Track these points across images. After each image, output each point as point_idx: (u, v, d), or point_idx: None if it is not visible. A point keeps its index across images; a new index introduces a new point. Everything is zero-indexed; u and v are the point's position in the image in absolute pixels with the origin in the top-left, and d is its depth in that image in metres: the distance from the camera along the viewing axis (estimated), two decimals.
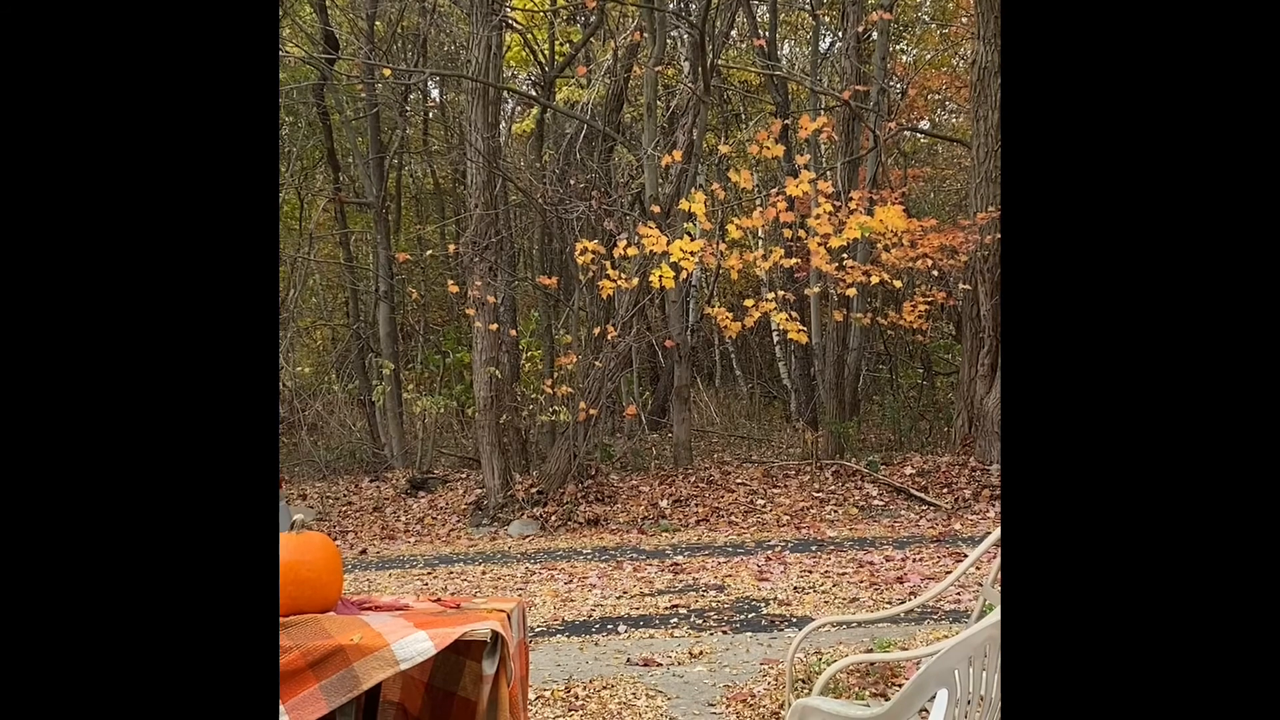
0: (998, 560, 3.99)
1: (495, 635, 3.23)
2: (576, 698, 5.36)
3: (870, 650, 6.07)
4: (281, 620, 3.20)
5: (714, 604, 7.85)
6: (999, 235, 13.41)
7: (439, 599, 3.70)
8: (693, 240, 12.59)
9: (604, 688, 5.54)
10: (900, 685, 5.02)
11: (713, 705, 5.25)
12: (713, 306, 14.41)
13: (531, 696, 5.34)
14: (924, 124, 22.44)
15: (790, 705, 3.84)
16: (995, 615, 3.12)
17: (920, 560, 9.09)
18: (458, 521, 13.34)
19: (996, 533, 3.96)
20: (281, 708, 3.03)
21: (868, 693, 5.15)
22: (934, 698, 3.10)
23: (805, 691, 5.08)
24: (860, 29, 16.61)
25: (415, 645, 3.15)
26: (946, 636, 6.03)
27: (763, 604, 7.82)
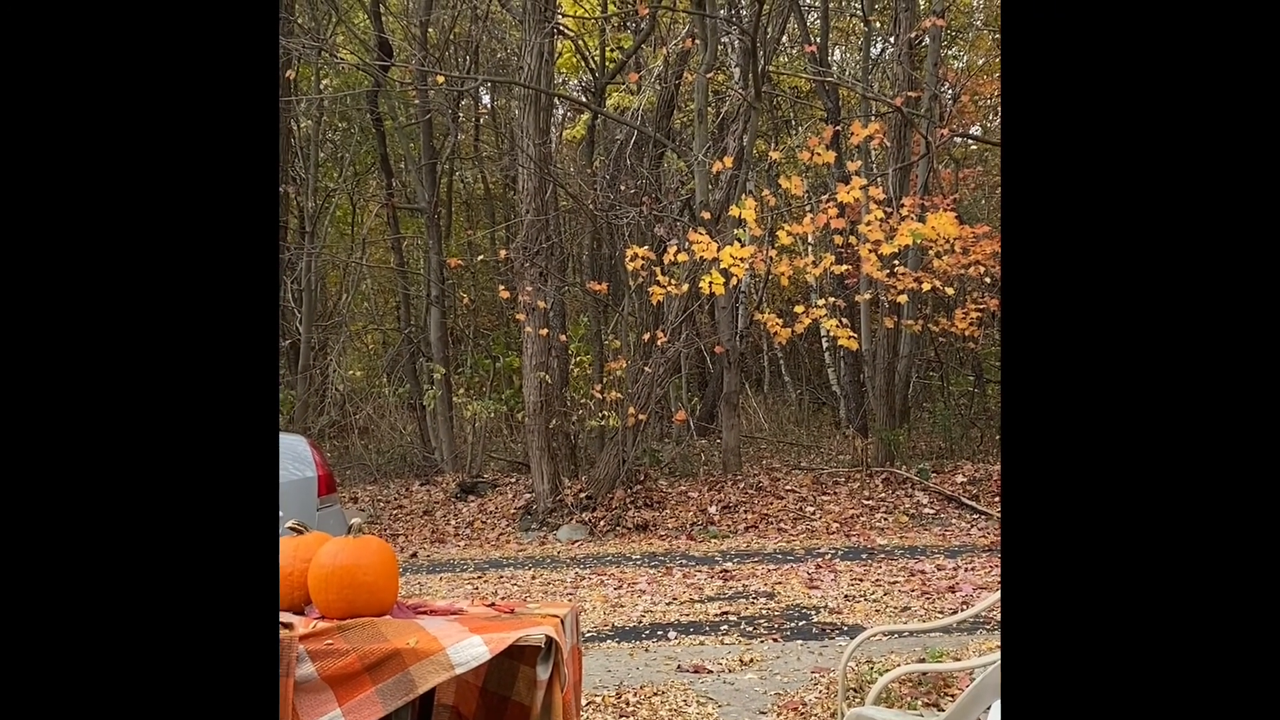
0: None
1: (549, 640, 3.24)
2: (627, 704, 5.37)
3: (923, 660, 6.03)
4: (339, 623, 3.23)
5: (764, 611, 7.83)
6: None
7: (493, 604, 3.72)
8: (743, 246, 12.58)
9: (654, 694, 5.55)
10: (954, 696, 4.99)
11: (764, 713, 5.24)
12: (762, 312, 14.38)
13: (583, 703, 5.36)
14: (975, 129, 22.27)
15: (843, 714, 3.83)
16: None
17: (972, 569, 9.03)
18: (507, 526, 13.39)
19: None
20: (339, 710, 3.07)
21: (920, 703, 5.12)
22: (989, 709, 3.08)
23: (858, 701, 5.06)
24: (912, 35, 16.53)
25: (470, 650, 3.17)
26: (999, 647, 5.98)
27: (813, 612, 7.79)
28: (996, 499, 12.65)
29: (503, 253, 15.02)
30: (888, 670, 5.46)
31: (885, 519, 12.31)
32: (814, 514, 12.66)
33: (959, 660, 5.81)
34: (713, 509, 13.00)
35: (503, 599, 8.41)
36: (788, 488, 13.70)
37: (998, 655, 3.15)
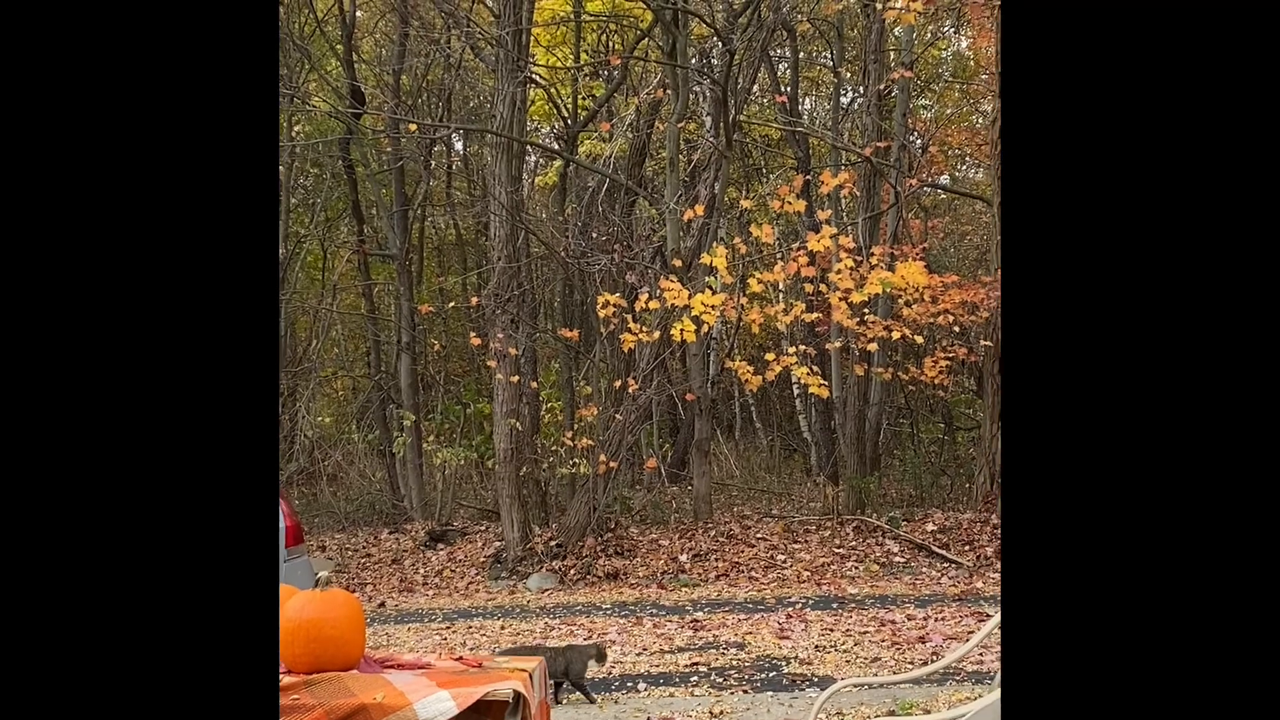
0: None
1: (517, 695, 3.22)
2: None
3: (893, 713, 6.01)
4: (305, 678, 3.20)
5: (734, 662, 7.79)
6: None
7: (461, 657, 3.70)
8: (714, 294, 12.63)
9: None
10: None
11: None
12: (733, 360, 14.42)
13: None
14: (944, 179, 22.50)
15: None
16: None
17: (942, 619, 9.02)
18: (476, 574, 13.30)
19: None
20: None
21: None
22: None
23: None
24: (881, 86, 16.73)
25: (438, 705, 3.14)
26: (969, 699, 5.96)
27: (784, 663, 7.76)
28: (966, 547, 12.67)
29: (474, 299, 15.03)
30: None
31: (856, 567, 12.30)
32: (785, 562, 12.64)
33: (929, 712, 5.79)
34: (684, 557, 12.96)
35: (471, 650, 8.35)
36: (759, 535, 13.68)
37: (968, 707, 3.15)
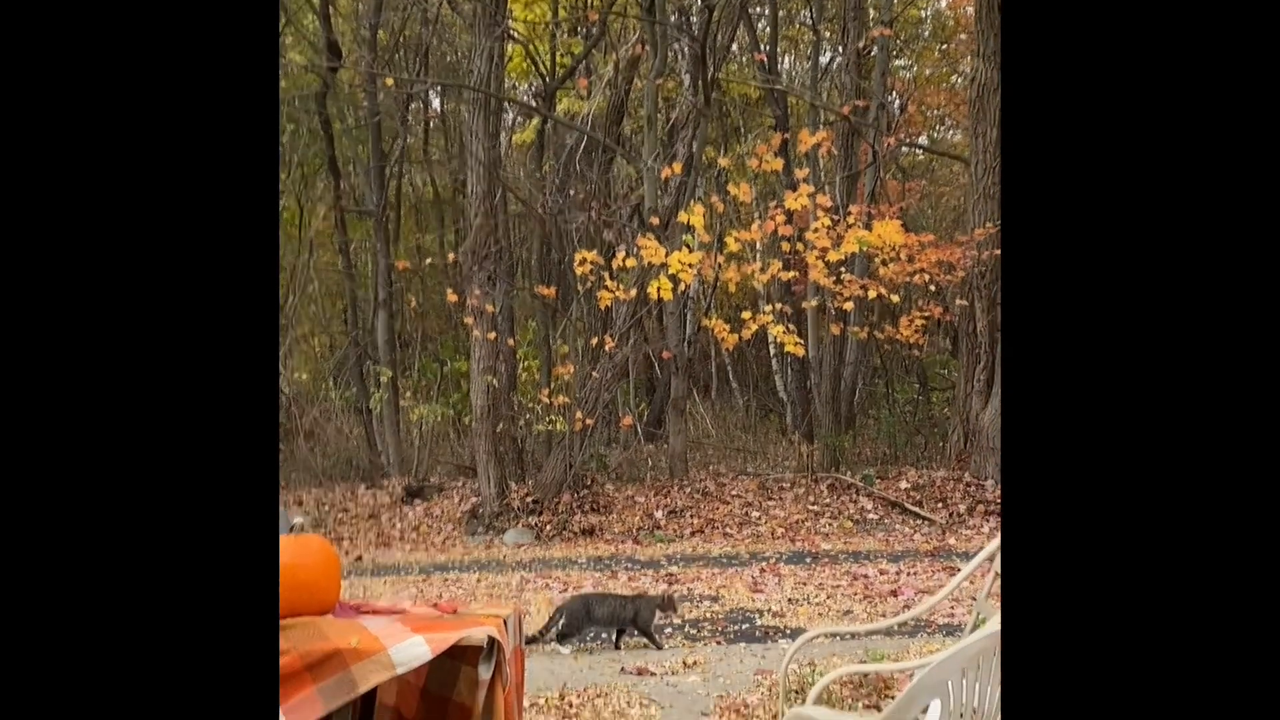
0: (991, 574, 4.01)
1: (492, 641, 3.25)
2: (570, 706, 5.38)
3: (864, 662, 6.08)
4: (280, 622, 3.21)
5: (708, 614, 7.86)
6: (997, 251, 13.47)
7: (436, 604, 3.73)
8: (691, 252, 12.64)
9: (598, 696, 5.55)
10: (893, 698, 5.04)
11: (706, 715, 5.27)
12: (710, 318, 14.44)
13: (526, 704, 5.35)
14: (922, 139, 22.50)
15: (784, 715, 3.86)
16: (989, 628, 3.14)
17: (914, 574, 9.12)
18: (453, 530, 13.34)
19: (990, 547, 3.99)
20: (279, 709, 3.05)
21: (860, 705, 5.17)
22: (927, 709, 3.12)
23: (799, 702, 5.10)
24: (860, 44, 16.69)
25: (412, 650, 3.17)
26: (939, 650, 6.05)
27: (757, 615, 7.83)
28: (939, 504, 12.77)
29: (451, 256, 14.99)
30: (829, 672, 5.50)
31: (830, 524, 12.40)
32: (759, 519, 12.73)
33: (899, 662, 5.87)
34: (659, 513, 13.03)
35: (448, 600, 8.38)
36: (734, 493, 13.76)
37: (936, 656, 3.20)
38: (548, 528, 12.68)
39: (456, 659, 3.55)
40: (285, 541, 3.38)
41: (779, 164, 13.39)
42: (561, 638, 6.82)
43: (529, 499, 13.23)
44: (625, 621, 6.83)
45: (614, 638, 6.98)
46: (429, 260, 19.16)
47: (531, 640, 6.90)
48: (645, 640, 6.88)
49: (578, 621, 6.81)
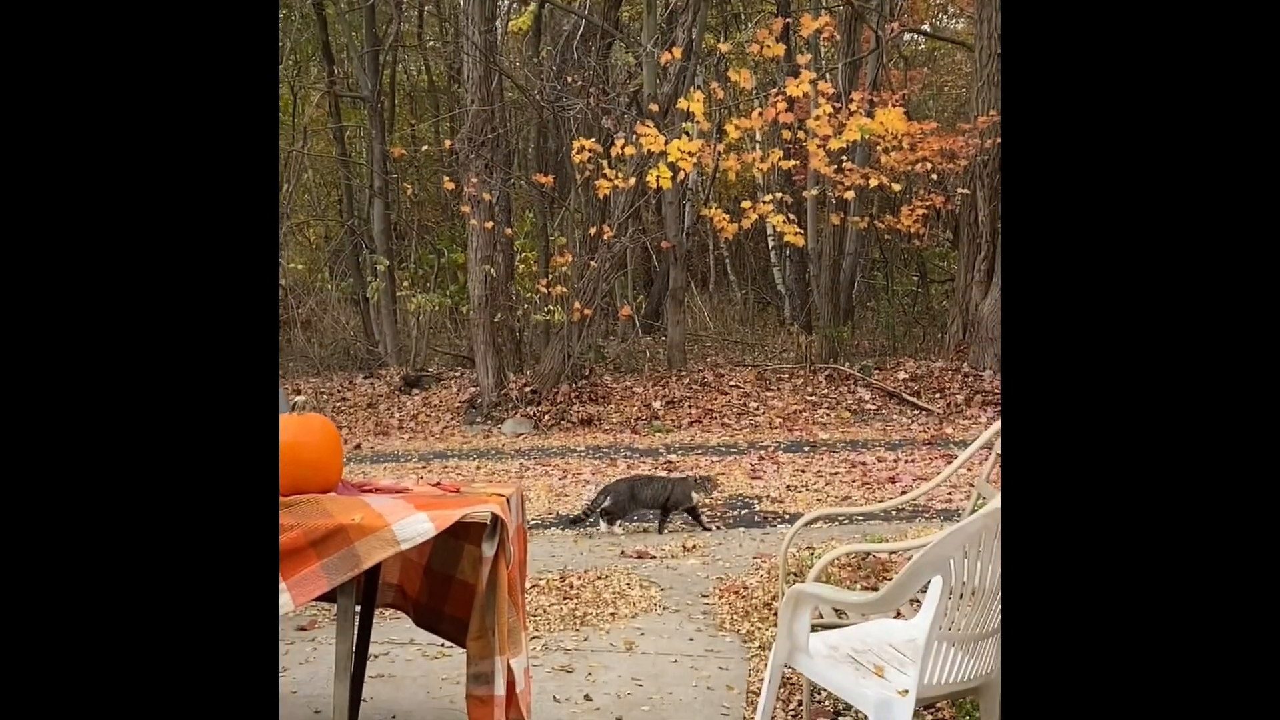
0: (991, 458, 4.01)
1: (495, 518, 3.24)
2: (571, 587, 5.42)
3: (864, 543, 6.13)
4: (282, 499, 3.21)
5: (707, 500, 7.91)
6: (999, 140, 13.32)
7: (439, 483, 3.72)
8: (691, 140, 12.49)
9: (598, 578, 5.60)
10: (892, 580, 5.08)
11: (705, 596, 5.31)
12: (709, 208, 14.32)
13: (527, 585, 5.40)
14: (925, 27, 22.10)
15: (784, 593, 3.88)
16: (989, 506, 3.14)
17: (912, 462, 9.16)
18: (451, 419, 13.39)
19: (988, 433, 3.98)
20: (284, 584, 3.06)
21: (859, 586, 5.22)
22: (927, 587, 3.14)
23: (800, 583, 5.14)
24: None
25: (416, 526, 3.17)
26: (938, 531, 6.09)
27: (755, 501, 7.89)
28: (937, 395, 12.81)
29: (447, 143, 14.80)
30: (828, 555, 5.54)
31: (828, 414, 12.44)
32: (757, 409, 12.77)
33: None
34: (657, 404, 13.07)
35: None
36: (732, 383, 13.79)
37: (936, 536, 3.20)
38: (546, 418, 12.72)
39: (459, 538, 3.56)
40: (287, 420, 3.36)
41: (780, 49, 13.16)
42: (610, 519, 6.95)
43: (527, 389, 13.25)
44: (670, 504, 7.00)
45: (659, 520, 7.13)
46: (425, 147, 18.93)
47: (576, 521, 7.03)
48: (691, 521, 7.10)
49: (623, 503, 6.96)
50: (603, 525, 6.97)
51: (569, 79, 15.35)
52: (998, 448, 3.88)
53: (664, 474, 8.36)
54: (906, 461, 9.18)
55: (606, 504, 6.98)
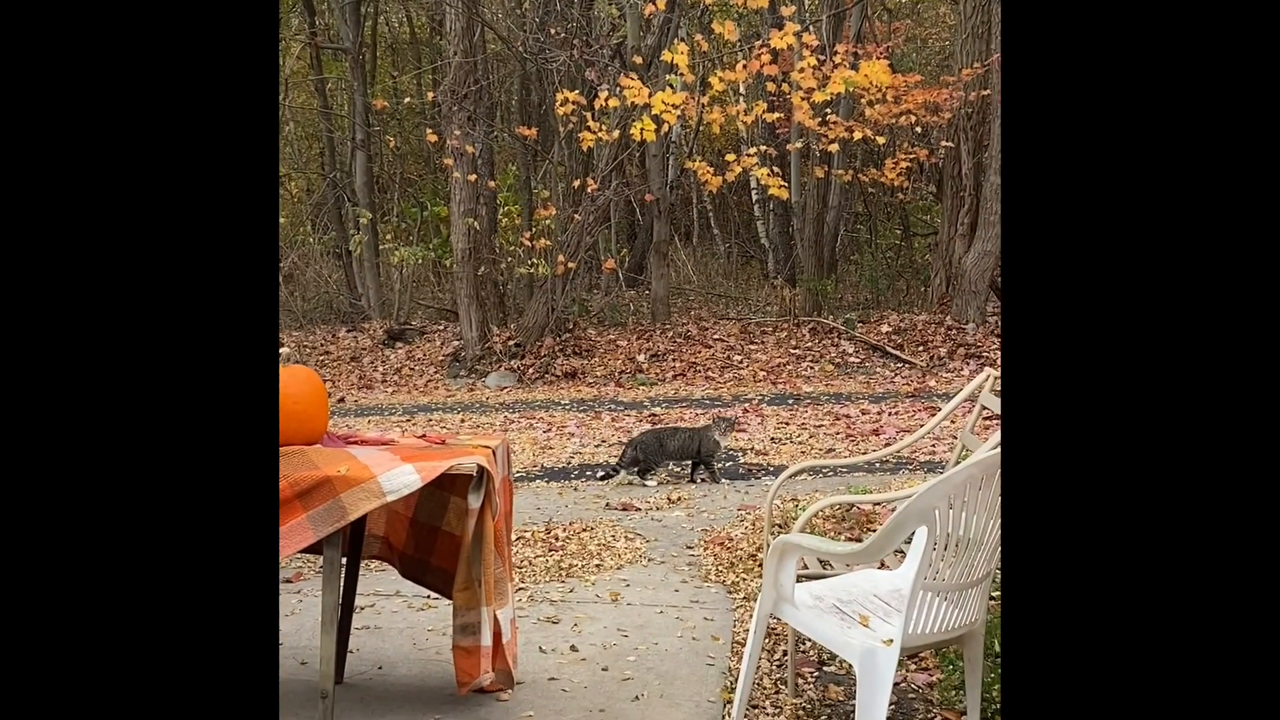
0: (975, 411, 4.02)
1: (481, 469, 3.25)
2: (556, 539, 5.45)
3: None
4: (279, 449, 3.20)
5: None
6: (985, 92, 13.28)
7: (425, 435, 3.72)
8: (675, 93, 12.41)
9: (584, 530, 5.63)
10: (877, 531, 5.11)
11: (691, 548, 5.34)
12: (693, 161, 14.26)
13: (513, 537, 5.42)
14: None
15: (769, 545, 3.90)
16: (973, 458, 3.15)
17: (896, 414, 9.20)
18: (435, 372, 13.37)
19: (973, 384, 3.99)
20: None
21: (844, 538, 5.25)
22: (911, 535, 3.15)
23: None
24: None
25: (402, 478, 3.17)
26: (921, 483, 6.13)
27: (740, 453, 7.91)
28: (920, 348, 12.84)
29: (430, 95, 14.68)
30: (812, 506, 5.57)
31: (812, 367, 12.46)
32: (741, 362, 12.78)
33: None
34: (641, 357, 13.07)
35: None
36: (716, 337, 13.79)
37: (921, 487, 3.21)
38: (530, 371, 12.71)
39: (446, 490, 3.56)
40: None
41: (764, 1, 13.05)
42: (642, 472, 6.98)
43: (511, 343, 13.24)
44: (690, 454, 7.09)
45: (690, 470, 7.20)
46: (407, 100, 18.77)
47: (606, 476, 7.05)
48: (705, 472, 7.14)
49: (652, 454, 7.00)
50: (640, 479, 7.01)
51: (552, 31, 15.21)
52: (982, 400, 3.89)
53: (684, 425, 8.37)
54: (890, 414, 9.22)
55: (639, 456, 7.02)
